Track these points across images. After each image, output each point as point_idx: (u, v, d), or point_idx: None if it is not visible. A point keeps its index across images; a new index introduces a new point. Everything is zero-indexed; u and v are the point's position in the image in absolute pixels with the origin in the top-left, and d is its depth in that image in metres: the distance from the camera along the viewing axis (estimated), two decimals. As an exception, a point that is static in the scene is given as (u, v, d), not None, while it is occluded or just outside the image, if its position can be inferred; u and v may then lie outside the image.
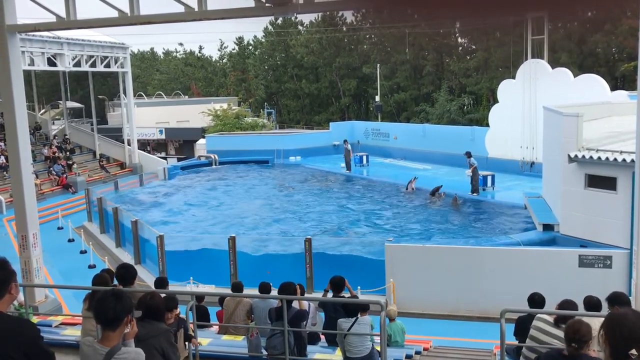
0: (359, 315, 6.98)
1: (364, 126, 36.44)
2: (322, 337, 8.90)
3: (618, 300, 5.74)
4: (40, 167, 29.39)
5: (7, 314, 3.55)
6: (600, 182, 13.47)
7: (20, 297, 8.39)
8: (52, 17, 11.30)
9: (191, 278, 14.54)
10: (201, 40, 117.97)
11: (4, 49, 11.19)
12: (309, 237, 14.99)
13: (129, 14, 10.47)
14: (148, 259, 17.69)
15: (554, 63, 28.60)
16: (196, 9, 10.00)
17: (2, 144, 28.24)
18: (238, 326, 8.38)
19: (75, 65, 29.07)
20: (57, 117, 45.72)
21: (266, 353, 7.13)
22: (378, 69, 48.67)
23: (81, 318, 6.82)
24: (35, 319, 9.44)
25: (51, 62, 27.79)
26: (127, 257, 18.43)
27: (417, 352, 9.30)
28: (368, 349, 6.87)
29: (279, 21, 59.51)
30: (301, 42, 58.64)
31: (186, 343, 6.47)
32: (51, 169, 29.57)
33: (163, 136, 43.73)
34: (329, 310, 8.30)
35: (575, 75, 23.71)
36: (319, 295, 11.56)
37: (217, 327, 9.23)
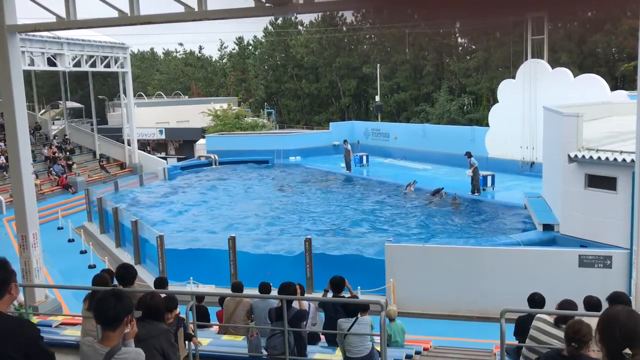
0: (359, 315, 6.98)
1: (364, 126, 36.43)
2: (322, 337, 8.90)
3: (618, 300, 5.69)
4: (40, 167, 29.39)
5: (7, 314, 3.54)
6: (600, 182, 13.47)
7: (20, 297, 8.40)
8: (52, 17, 11.30)
9: (191, 278, 14.54)
10: (201, 40, 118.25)
11: (4, 49, 11.20)
12: (309, 237, 15.00)
13: (129, 14, 10.47)
14: (148, 259, 17.69)
15: (554, 63, 28.59)
16: (196, 9, 10.00)
17: (2, 144, 28.23)
18: (238, 326, 8.38)
19: (75, 66, 29.05)
20: (57, 117, 45.69)
21: (266, 353, 7.13)
22: (378, 69, 48.66)
23: (81, 318, 6.82)
24: (35, 319, 9.45)
25: (51, 62, 27.78)
26: (127, 257, 18.43)
27: (417, 352, 9.30)
28: (368, 349, 6.87)
29: (279, 21, 59.49)
30: (301, 42, 58.63)
31: (186, 342, 6.47)
32: (51, 169, 29.56)
33: (163, 136, 43.69)
34: (329, 310, 8.30)
35: (575, 75, 23.70)
36: (319, 295, 11.56)
37: (217, 327, 9.23)
